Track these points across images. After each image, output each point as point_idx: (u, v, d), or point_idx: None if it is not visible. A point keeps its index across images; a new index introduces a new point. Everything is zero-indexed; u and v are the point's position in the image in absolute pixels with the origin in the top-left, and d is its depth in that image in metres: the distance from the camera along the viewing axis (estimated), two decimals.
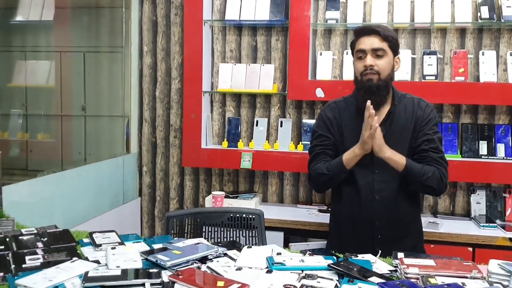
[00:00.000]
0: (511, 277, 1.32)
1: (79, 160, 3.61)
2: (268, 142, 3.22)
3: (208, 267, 1.45)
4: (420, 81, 3.04)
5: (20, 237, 1.67)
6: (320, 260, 1.47)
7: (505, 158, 2.99)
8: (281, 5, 3.17)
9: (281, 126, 3.24)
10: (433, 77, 3.02)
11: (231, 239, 2.61)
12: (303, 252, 1.62)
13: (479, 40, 3.04)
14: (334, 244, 2.34)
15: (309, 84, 3.02)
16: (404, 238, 2.25)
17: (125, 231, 2.05)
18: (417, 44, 3.11)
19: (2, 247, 1.57)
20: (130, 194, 3.44)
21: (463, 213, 3.14)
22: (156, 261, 1.44)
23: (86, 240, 1.69)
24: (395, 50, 2.17)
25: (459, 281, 1.30)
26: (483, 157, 3.00)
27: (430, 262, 1.39)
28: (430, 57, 3.05)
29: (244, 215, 2.62)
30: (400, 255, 1.52)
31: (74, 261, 1.44)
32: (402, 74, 3.05)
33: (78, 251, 1.57)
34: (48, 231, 1.75)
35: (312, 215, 3.07)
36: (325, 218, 2.85)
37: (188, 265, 1.45)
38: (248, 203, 3.10)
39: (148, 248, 1.64)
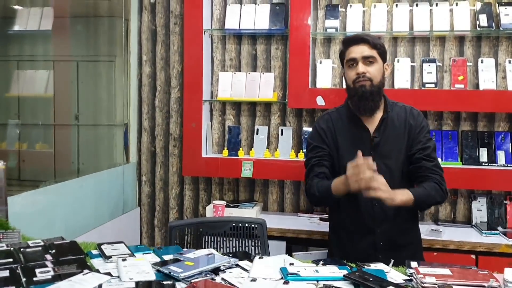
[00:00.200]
0: None
1: (72, 170, 3.59)
2: (269, 151, 3.22)
3: (222, 278, 1.43)
4: (420, 89, 3.06)
5: (27, 250, 1.65)
6: (335, 270, 1.46)
7: (506, 165, 3.00)
8: (280, 14, 3.18)
9: (281, 134, 3.23)
10: (433, 85, 3.04)
11: (234, 249, 2.59)
12: (315, 262, 1.61)
13: (478, 48, 3.07)
14: (335, 254, 2.33)
15: (309, 92, 3.03)
16: (405, 245, 2.26)
17: (125, 241, 2.03)
18: (416, 52, 3.13)
19: (10, 259, 1.54)
20: (130, 204, 3.41)
21: (464, 220, 3.15)
22: (169, 272, 1.43)
23: (94, 251, 1.67)
24: (384, 58, 2.21)
25: None
26: (483, 164, 3.02)
27: (446, 271, 1.39)
28: (429, 65, 3.07)
29: (246, 225, 2.61)
30: (414, 264, 1.51)
31: (86, 273, 1.42)
32: (402, 82, 3.07)
33: (88, 263, 1.55)
34: (55, 243, 1.73)
35: (314, 223, 3.06)
36: (326, 226, 2.82)
37: (201, 277, 1.44)
38: (249, 212, 3.08)
39: (158, 259, 1.62)
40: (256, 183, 3.36)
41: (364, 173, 1.94)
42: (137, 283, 1.34)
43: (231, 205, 3.14)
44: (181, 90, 3.39)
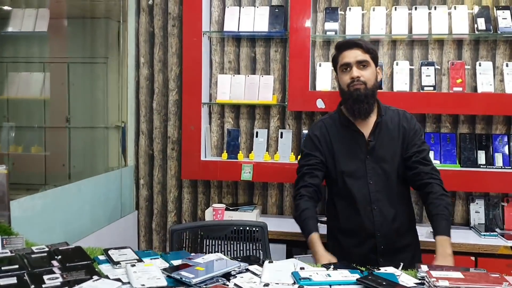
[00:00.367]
0: None
1: (62, 174, 3.55)
2: (268, 154, 3.21)
3: (235, 284, 1.42)
4: (419, 92, 3.07)
5: (32, 256, 1.62)
6: (347, 275, 1.46)
7: (503, 167, 3.02)
8: (280, 16, 3.18)
9: (281, 137, 3.23)
10: (432, 88, 3.05)
11: (235, 252, 2.58)
12: (325, 266, 1.61)
13: (476, 51, 3.09)
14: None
15: (309, 95, 3.03)
16: (405, 247, 2.28)
17: (123, 245, 2.01)
18: (415, 55, 3.14)
19: (16, 266, 1.51)
20: (127, 207, 3.39)
21: (462, 222, 3.16)
22: (181, 278, 1.41)
23: (101, 257, 1.65)
24: (376, 62, 2.25)
25: None
26: (481, 166, 3.04)
27: (457, 274, 1.39)
28: (428, 68, 3.08)
29: (247, 228, 2.60)
30: (424, 267, 1.51)
31: (96, 280, 1.40)
32: (401, 85, 3.08)
33: (96, 269, 1.53)
34: (60, 248, 1.70)
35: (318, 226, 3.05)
36: (326, 229, 2.84)
37: (213, 282, 1.42)
38: (249, 216, 3.07)
39: (167, 264, 1.61)
40: (255, 186, 3.35)
41: None
42: None
43: (231, 208, 3.12)
44: (179, 93, 3.37)
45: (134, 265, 1.53)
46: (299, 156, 3.09)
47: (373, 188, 2.20)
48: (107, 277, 1.47)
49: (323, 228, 2.75)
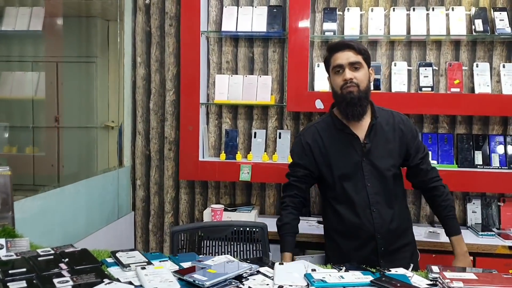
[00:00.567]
0: None
1: (51, 174, 3.50)
2: (266, 154, 3.20)
3: (249, 287, 1.41)
4: (417, 93, 3.09)
5: (39, 258, 1.59)
6: (360, 276, 1.46)
7: (500, 167, 3.05)
8: (278, 17, 3.17)
9: (279, 137, 3.22)
10: (429, 89, 3.07)
11: (235, 253, 2.57)
12: (336, 268, 1.60)
13: (473, 53, 3.11)
14: (334, 262, 2.32)
15: (308, 95, 3.02)
16: (404, 247, 2.29)
17: (120, 246, 1.99)
18: (413, 56, 3.16)
19: (24, 269, 1.49)
20: (124, 208, 3.35)
21: (459, 222, 3.16)
22: (194, 281, 1.40)
23: (109, 259, 1.63)
24: (368, 63, 2.23)
25: None
26: (478, 167, 3.06)
27: (470, 275, 1.40)
28: (426, 69, 3.10)
29: (247, 229, 2.59)
30: (435, 268, 1.51)
31: (108, 283, 1.38)
32: (399, 85, 3.09)
33: (106, 272, 1.51)
34: (66, 251, 1.68)
35: (313, 226, 3.06)
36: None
37: (226, 284, 1.41)
38: (248, 216, 3.07)
39: (176, 267, 1.59)
40: (253, 187, 3.34)
41: None
42: None
43: (229, 209, 3.11)
44: (177, 93, 3.35)
45: (144, 268, 1.51)
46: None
47: (371, 191, 2.20)
48: (117, 280, 1.45)
49: (320, 229, 2.76)
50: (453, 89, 3.05)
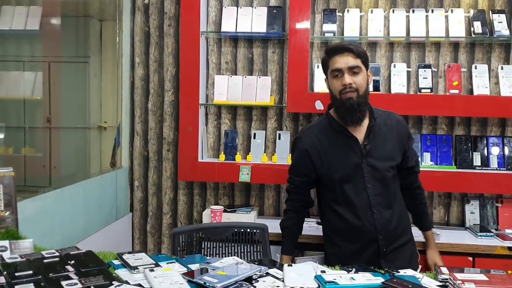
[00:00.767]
0: None
1: (43, 175, 3.47)
2: (266, 155, 3.19)
3: None
4: (416, 94, 3.09)
5: (44, 261, 1.57)
6: (371, 278, 1.45)
7: (498, 168, 3.07)
8: (278, 17, 3.17)
9: (279, 138, 3.22)
10: (429, 90, 3.08)
11: (236, 254, 2.56)
12: (345, 269, 1.60)
13: (472, 54, 3.13)
14: (336, 264, 2.32)
15: (308, 96, 3.02)
16: (404, 245, 2.30)
17: (118, 248, 1.98)
18: (412, 58, 3.17)
19: (30, 272, 1.46)
20: (122, 210, 3.33)
21: (457, 223, 3.20)
22: (205, 283, 1.38)
23: (116, 262, 1.61)
24: (367, 65, 2.22)
25: None
26: (477, 168, 3.08)
27: (481, 276, 1.40)
28: (425, 71, 3.11)
29: (248, 230, 2.59)
30: (445, 270, 1.51)
31: (118, 286, 1.36)
32: (398, 87, 3.10)
33: (114, 274, 1.49)
34: (71, 253, 1.66)
35: (312, 227, 3.05)
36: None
37: (236, 286, 1.40)
38: (247, 217, 3.06)
39: (184, 269, 1.58)
40: (252, 188, 3.33)
41: None
42: None
43: (228, 210, 3.10)
44: (175, 93, 3.33)
45: (153, 270, 1.49)
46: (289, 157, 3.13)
47: (372, 192, 2.20)
48: (126, 282, 1.44)
49: (319, 230, 2.76)
50: (452, 91, 3.06)
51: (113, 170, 3.24)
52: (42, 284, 1.39)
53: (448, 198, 3.20)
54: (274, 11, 3.18)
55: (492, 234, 2.92)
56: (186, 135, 3.14)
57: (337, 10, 3.16)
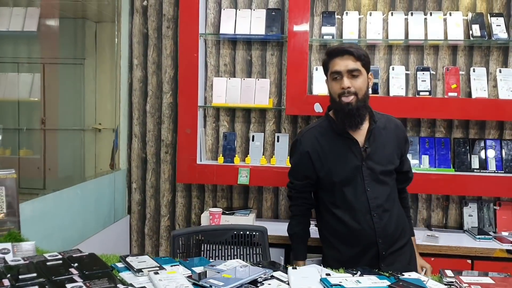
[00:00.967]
0: None
1: (37, 177, 3.45)
2: (264, 157, 3.19)
3: None
4: (415, 97, 3.10)
5: (47, 263, 1.56)
6: (376, 281, 1.45)
7: (496, 171, 3.08)
8: (276, 20, 3.17)
9: (277, 141, 3.21)
10: (427, 93, 3.09)
11: (235, 257, 2.55)
12: (349, 272, 1.60)
13: (470, 57, 3.14)
14: (334, 266, 2.30)
15: (307, 99, 3.02)
16: (403, 248, 2.29)
17: (115, 250, 1.97)
18: (411, 61, 3.18)
19: (34, 274, 1.45)
20: (120, 212, 3.31)
21: (455, 225, 3.21)
22: (210, 286, 1.38)
23: (120, 264, 1.60)
24: (367, 68, 2.20)
25: None
26: (475, 171, 3.09)
27: (487, 279, 1.40)
28: (423, 73, 3.12)
29: (248, 232, 2.58)
30: (449, 272, 1.52)
31: None
32: (397, 89, 3.10)
33: (118, 277, 1.48)
34: (74, 255, 1.64)
35: (311, 230, 3.04)
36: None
37: None
38: (246, 220, 3.05)
39: (188, 271, 1.57)
40: (250, 190, 3.33)
41: None
42: None
43: (227, 212, 3.09)
44: (174, 95, 3.33)
45: (157, 273, 1.48)
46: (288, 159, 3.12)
47: (371, 195, 2.18)
48: (131, 285, 1.42)
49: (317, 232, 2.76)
50: (450, 94, 3.08)
51: (111, 172, 3.22)
52: (46, 286, 1.38)
53: (446, 201, 3.21)
54: (273, 13, 3.18)
55: (491, 236, 2.93)
56: (185, 137, 3.13)
57: (336, 13, 3.16)
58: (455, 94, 3.07)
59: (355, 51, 2.14)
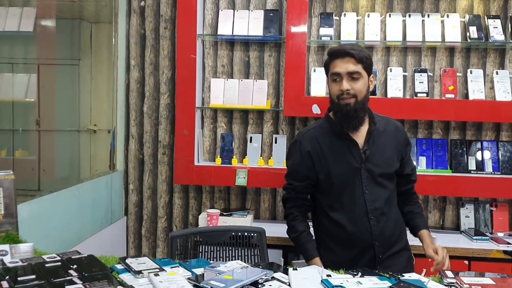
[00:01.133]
0: None
1: (32, 178, 3.43)
2: (262, 159, 3.19)
3: None
4: (412, 98, 3.11)
5: (46, 265, 1.55)
6: (377, 282, 1.45)
7: (493, 173, 3.09)
8: (274, 21, 3.17)
9: (275, 142, 3.21)
10: (425, 94, 3.10)
11: (233, 258, 2.55)
12: (350, 273, 1.59)
13: (467, 59, 3.15)
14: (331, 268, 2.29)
15: (305, 100, 3.02)
16: (400, 252, 2.28)
17: (112, 252, 1.96)
18: (408, 62, 3.18)
19: (33, 276, 1.44)
20: (117, 213, 3.30)
21: (452, 226, 3.22)
22: (212, 287, 1.37)
23: (119, 266, 1.59)
24: (369, 70, 2.17)
25: None
26: (472, 172, 3.10)
27: (488, 280, 1.40)
28: (421, 75, 3.13)
29: (246, 233, 2.58)
30: (450, 273, 1.52)
31: None
32: (395, 91, 3.11)
33: (118, 279, 1.47)
34: (72, 257, 1.64)
35: None
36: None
37: None
38: (243, 221, 3.04)
39: (189, 273, 1.56)
40: (248, 191, 3.32)
41: None
42: None
43: (224, 213, 3.08)
44: (171, 96, 3.32)
45: (158, 275, 1.48)
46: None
47: (369, 198, 2.17)
48: (131, 287, 1.42)
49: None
50: (447, 95, 3.09)
51: (108, 174, 3.21)
52: None
53: (443, 202, 3.22)
54: (271, 14, 3.18)
55: (487, 237, 2.94)
56: (182, 139, 3.12)
57: (334, 14, 3.16)
58: (452, 95, 3.08)
59: (357, 54, 2.11)
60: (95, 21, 3.57)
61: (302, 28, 3.00)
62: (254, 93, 3.19)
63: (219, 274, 1.48)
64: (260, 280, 1.47)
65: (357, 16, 3.16)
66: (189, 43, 3.10)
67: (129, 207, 3.40)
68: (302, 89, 3.01)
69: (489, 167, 3.11)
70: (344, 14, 3.15)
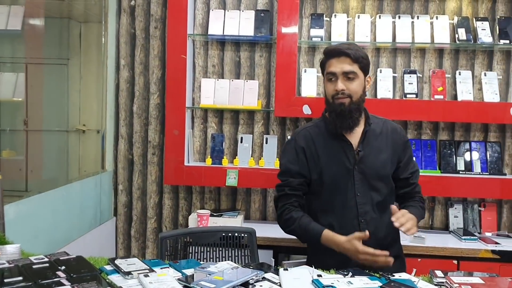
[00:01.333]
0: None
1: (19, 179, 3.40)
2: (253, 159, 3.18)
3: None
4: (402, 99, 3.13)
5: (33, 266, 1.53)
6: (368, 282, 1.45)
7: (481, 173, 3.12)
8: (265, 21, 3.17)
9: (266, 143, 3.21)
10: (414, 95, 3.11)
11: (224, 259, 2.54)
12: (340, 273, 1.59)
13: (456, 61, 3.18)
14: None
15: (296, 101, 3.02)
16: (389, 251, 2.25)
17: (101, 253, 1.94)
18: (398, 63, 3.20)
19: (20, 278, 1.42)
20: (106, 214, 3.28)
21: (441, 226, 3.24)
22: None
23: (108, 267, 1.58)
24: (366, 70, 2.13)
25: None
26: (460, 172, 3.12)
27: (477, 279, 1.41)
28: (410, 76, 3.15)
29: (236, 234, 2.57)
30: (439, 273, 1.52)
31: None
32: (384, 92, 3.12)
33: (107, 280, 1.46)
34: (60, 258, 1.62)
35: None
36: None
37: None
38: (234, 221, 3.04)
39: (179, 274, 1.55)
40: (238, 192, 3.32)
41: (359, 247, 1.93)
42: None
43: (215, 214, 3.07)
44: (161, 96, 3.30)
45: (147, 276, 1.47)
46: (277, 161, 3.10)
47: (361, 201, 2.12)
48: None
49: None
50: (436, 96, 3.11)
51: (97, 174, 3.18)
52: None
53: (432, 202, 3.24)
54: (262, 14, 3.18)
55: (476, 237, 2.96)
56: (172, 139, 3.11)
57: (324, 15, 3.17)
58: (441, 96, 3.10)
59: (353, 53, 2.07)
60: (85, 20, 3.55)
61: (293, 29, 3.01)
62: (245, 94, 3.19)
63: (210, 274, 1.47)
64: (250, 280, 1.47)
65: (348, 17, 3.17)
66: (180, 43, 3.09)
67: (118, 207, 3.37)
68: (293, 90, 3.02)
69: (477, 167, 3.14)
70: (335, 15, 3.16)
